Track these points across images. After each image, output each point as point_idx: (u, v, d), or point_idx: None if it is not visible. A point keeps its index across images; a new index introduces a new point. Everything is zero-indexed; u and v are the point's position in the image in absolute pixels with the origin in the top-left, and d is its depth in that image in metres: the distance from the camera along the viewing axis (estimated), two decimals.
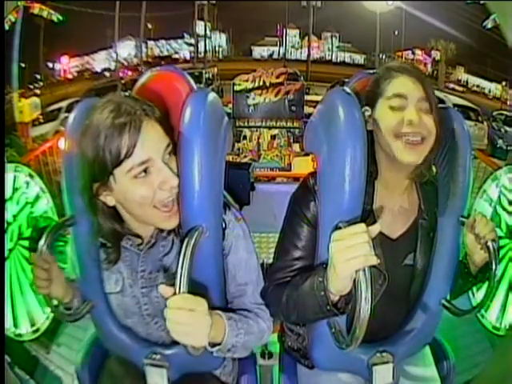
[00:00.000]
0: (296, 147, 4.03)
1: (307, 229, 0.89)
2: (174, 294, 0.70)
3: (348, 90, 0.87)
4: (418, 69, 0.88)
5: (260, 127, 3.89)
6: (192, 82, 0.93)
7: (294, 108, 3.81)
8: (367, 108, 0.88)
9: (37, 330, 1.63)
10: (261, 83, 3.42)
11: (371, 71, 1.02)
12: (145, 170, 0.76)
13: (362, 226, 0.70)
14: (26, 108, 5.08)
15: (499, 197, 1.68)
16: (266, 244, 1.99)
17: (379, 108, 0.86)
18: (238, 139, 3.97)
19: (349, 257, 0.68)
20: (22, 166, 1.71)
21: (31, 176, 1.72)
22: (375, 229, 0.73)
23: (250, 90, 3.29)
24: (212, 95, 0.87)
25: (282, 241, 0.94)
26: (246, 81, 3.10)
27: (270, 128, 3.92)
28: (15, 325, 1.57)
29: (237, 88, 3.57)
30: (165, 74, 0.96)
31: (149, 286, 0.89)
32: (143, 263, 0.89)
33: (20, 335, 1.59)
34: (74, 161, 0.86)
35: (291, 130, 3.94)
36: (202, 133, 0.81)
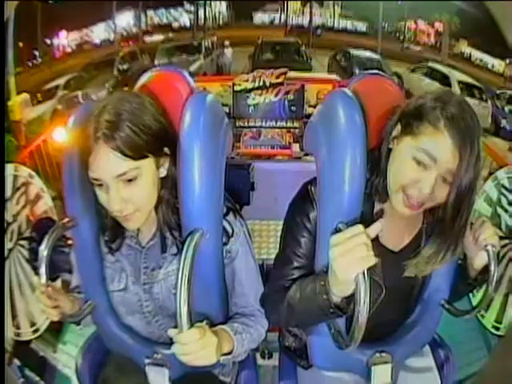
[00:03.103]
0: (296, 147, 4.01)
1: (309, 238, 0.88)
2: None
3: (348, 92, 0.86)
4: (468, 131, 0.73)
5: (260, 127, 3.89)
6: (192, 82, 0.94)
7: (293, 108, 3.81)
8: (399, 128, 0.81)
9: (37, 330, 1.63)
10: (261, 83, 3.42)
11: (371, 71, 1.02)
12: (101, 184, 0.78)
13: (359, 227, 0.69)
14: (16, 106, 5.05)
15: (499, 197, 1.67)
16: (266, 233, 1.87)
17: (404, 148, 0.78)
18: (238, 139, 3.96)
19: (348, 262, 0.67)
20: (21, 165, 1.72)
21: (31, 176, 1.72)
22: (376, 228, 0.71)
23: (250, 90, 3.28)
24: (211, 97, 0.87)
25: (283, 249, 0.92)
26: (246, 81, 3.09)
27: (269, 128, 3.91)
28: (15, 325, 1.57)
29: (237, 88, 3.57)
30: (165, 74, 0.96)
31: (150, 282, 0.90)
32: (146, 259, 0.90)
33: (20, 335, 1.59)
34: (74, 161, 0.86)
35: (291, 129, 3.93)
36: (202, 136, 0.81)
